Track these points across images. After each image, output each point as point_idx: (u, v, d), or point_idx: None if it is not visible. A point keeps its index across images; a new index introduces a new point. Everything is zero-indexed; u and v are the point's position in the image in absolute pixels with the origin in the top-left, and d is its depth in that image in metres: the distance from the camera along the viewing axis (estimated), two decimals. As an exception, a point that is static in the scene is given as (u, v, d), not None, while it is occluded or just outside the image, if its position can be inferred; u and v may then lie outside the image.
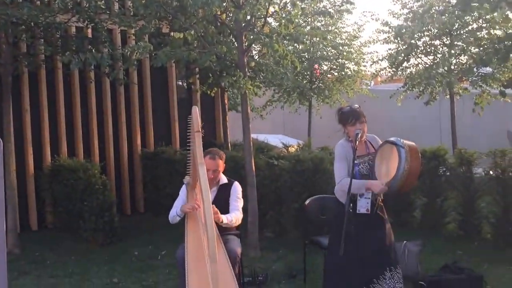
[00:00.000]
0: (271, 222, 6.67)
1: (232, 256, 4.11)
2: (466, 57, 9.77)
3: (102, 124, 7.96)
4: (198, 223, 4.21)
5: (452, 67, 9.84)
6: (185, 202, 4.42)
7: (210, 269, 3.59)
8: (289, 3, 5.95)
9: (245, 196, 4.95)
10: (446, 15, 8.61)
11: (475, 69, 9.53)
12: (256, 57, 7.08)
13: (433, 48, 10.09)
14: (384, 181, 3.82)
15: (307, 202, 5.16)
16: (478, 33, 9.52)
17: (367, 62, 10.96)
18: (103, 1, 6.44)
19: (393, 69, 10.29)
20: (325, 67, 10.80)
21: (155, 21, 5.89)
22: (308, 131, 11.03)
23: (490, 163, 6.19)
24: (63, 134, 7.54)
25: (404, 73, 10.40)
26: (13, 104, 6.63)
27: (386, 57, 10.40)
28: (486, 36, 9.43)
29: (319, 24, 10.07)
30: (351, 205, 3.78)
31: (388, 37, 10.19)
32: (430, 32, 9.90)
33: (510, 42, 6.74)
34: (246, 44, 5.85)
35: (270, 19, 6.09)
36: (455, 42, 9.78)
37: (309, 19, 8.93)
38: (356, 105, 4.12)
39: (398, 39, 9.92)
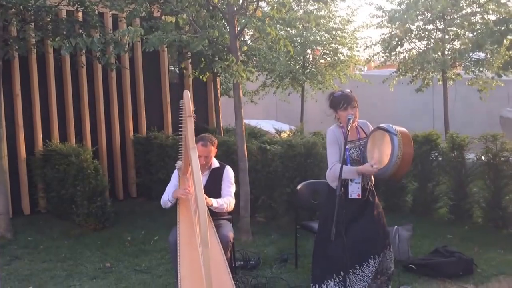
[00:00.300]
0: (263, 206, 6.70)
1: (224, 240, 4.13)
2: (459, 41, 9.75)
3: (94, 109, 7.93)
4: (189, 208, 4.22)
5: (446, 52, 9.83)
6: (177, 187, 4.42)
7: (202, 253, 3.61)
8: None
9: (237, 181, 4.96)
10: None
11: (467, 54, 9.54)
12: (249, 41, 7.03)
13: (426, 33, 10.06)
14: (375, 166, 3.83)
15: (298, 187, 5.18)
16: (472, 18, 9.51)
17: (360, 47, 10.92)
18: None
19: (386, 54, 10.26)
20: (318, 52, 10.76)
21: (146, 4, 5.82)
22: (300, 117, 11.02)
23: (482, 148, 6.22)
24: (55, 119, 7.50)
25: (397, 58, 10.38)
26: (4, 89, 6.59)
27: (380, 42, 10.36)
28: (480, 20, 9.44)
29: (312, 8, 10.01)
30: (342, 189, 3.78)
31: (382, 21, 10.15)
32: (423, 16, 9.87)
33: (504, 26, 6.75)
34: (238, 28, 5.81)
35: (262, 3, 6.05)
36: (448, 28, 9.76)
37: (302, 3, 8.87)
38: (348, 90, 4.10)
39: (392, 23, 9.88)
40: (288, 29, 6.35)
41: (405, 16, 9.36)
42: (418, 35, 10.09)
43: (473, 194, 6.39)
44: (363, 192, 4.03)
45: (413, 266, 4.78)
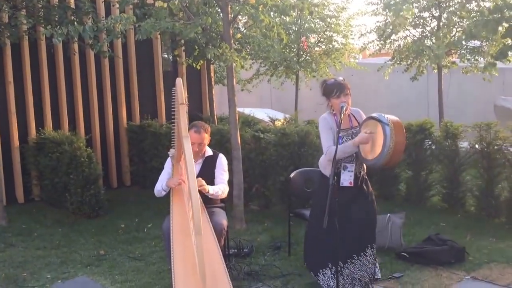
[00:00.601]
0: (257, 195, 6.71)
1: (218, 228, 4.14)
2: (455, 29, 9.72)
3: (87, 97, 7.88)
4: (183, 196, 4.22)
5: (441, 40, 9.79)
6: (170, 175, 4.42)
7: (195, 241, 3.61)
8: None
9: (230, 169, 4.96)
10: None
11: (463, 42, 9.50)
12: (243, 29, 6.99)
13: (422, 21, 10.01)
14: (369, 131, 3.84)
15: (292, 175, 5.19)
16: (467, 5, 9.47)
17: (355, 35, 10.87)
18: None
19: (381, 41, 10.21)
20: (312, 40, 10.69)
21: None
22: (295, 105, 10.99)
23: (476, 137, 6.23)
24: (48, 107, 7.46)
25: (392, 46, 10.34)
26: (-4, 76, 6.55)
27: (374, 30, 10.32)
28: (475, 8, 9.40)
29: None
30: (335, 178, 3.79)
31: (377, 8, 10.10)
32: (419, 3, 9.82)
33: (499, 14, 6.71)
34: (231, 15, 5.77)
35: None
36: (444, 15, 9.72)
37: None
38: (341, 78, 4.10)
39: (387, 10, 9.83)
40: (282, 16, 6.30)
41: (404, 7, 9.31)
42: (413, 23, 10.05)
43: (466, 182, 6.40)
44: (355, 181, 4.05)
45: (405, 254, 4.81)
